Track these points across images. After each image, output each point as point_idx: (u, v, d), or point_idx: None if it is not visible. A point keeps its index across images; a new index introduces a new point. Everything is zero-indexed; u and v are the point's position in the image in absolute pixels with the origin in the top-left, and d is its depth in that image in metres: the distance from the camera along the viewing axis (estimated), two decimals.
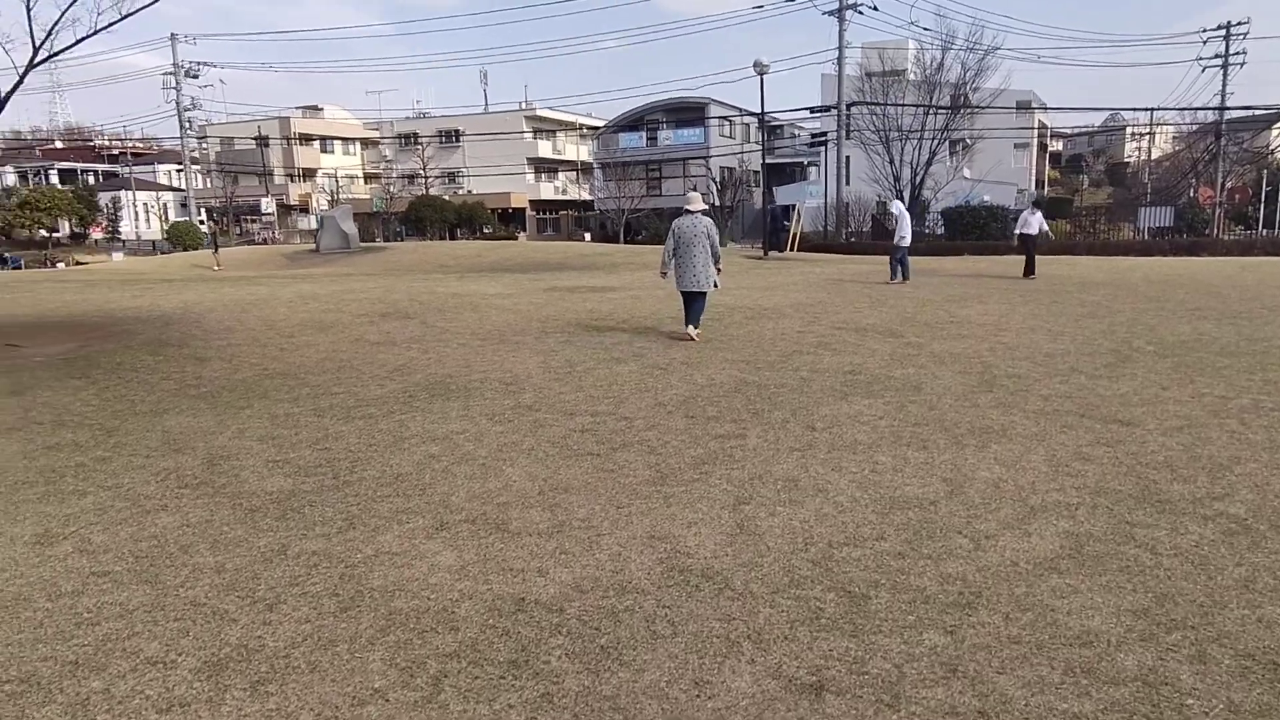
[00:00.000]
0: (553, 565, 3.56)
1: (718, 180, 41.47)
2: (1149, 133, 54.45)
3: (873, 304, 12.00)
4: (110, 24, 8.47)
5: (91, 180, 79.17)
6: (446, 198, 53.71)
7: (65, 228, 56.88)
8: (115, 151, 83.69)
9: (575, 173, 60.45)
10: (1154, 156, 58.45)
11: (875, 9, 29.75)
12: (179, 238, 46.76)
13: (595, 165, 52.39)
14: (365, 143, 71.33)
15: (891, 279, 15.68)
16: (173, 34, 47.09)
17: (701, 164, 46.47)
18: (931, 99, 28.49)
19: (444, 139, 58.91)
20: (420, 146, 56.03)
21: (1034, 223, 16.51)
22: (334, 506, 4.22)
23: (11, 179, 71.23)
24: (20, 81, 8.31)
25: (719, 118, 47.14)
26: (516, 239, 51.46)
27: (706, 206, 9.39)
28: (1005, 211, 28.26)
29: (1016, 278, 16.48)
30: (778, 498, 4.29)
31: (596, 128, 56.91)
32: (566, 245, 31.87)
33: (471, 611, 3.16)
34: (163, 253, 45.68)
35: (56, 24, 8.20)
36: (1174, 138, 60.18)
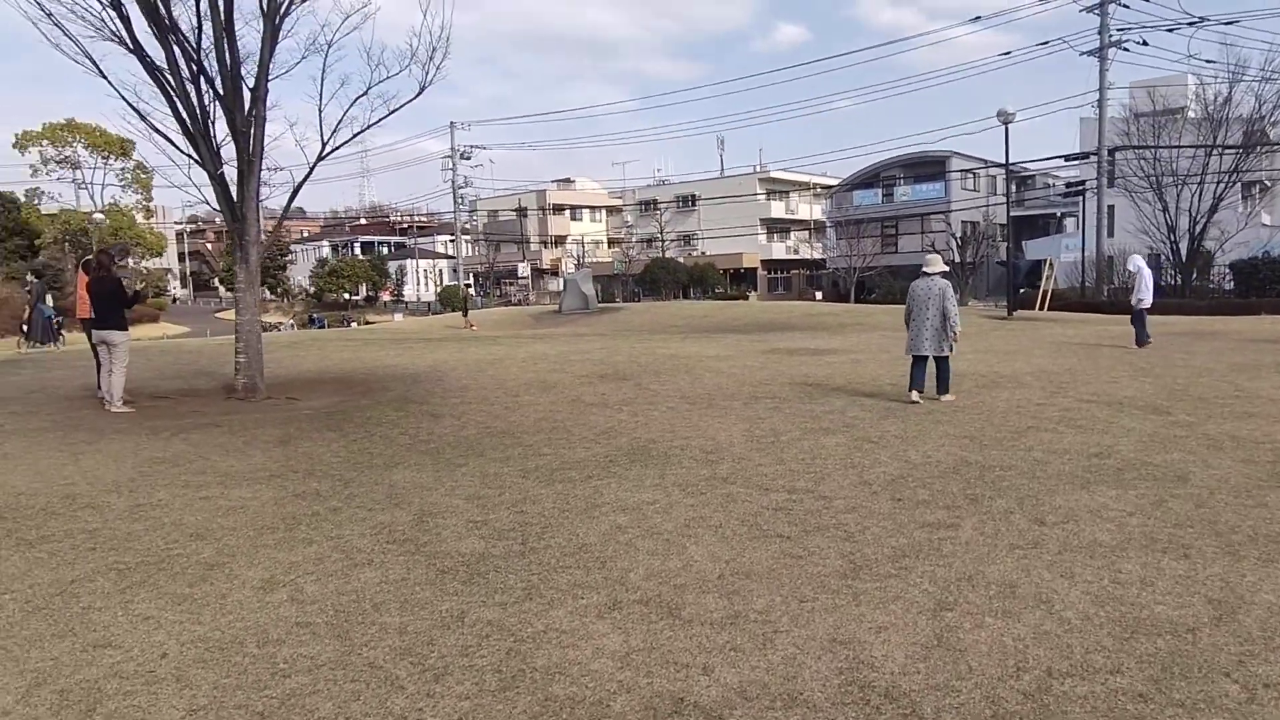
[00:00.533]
0: (720, 663, 3.31)
1: (958, 236, 39.16)
2: None
3: (1134, 373, 10.50)
4: (379, 119, 9.65)
5: (385, 250, 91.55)
6: (681, 259, 55.62)
7: (362, 292, 66.05)
8: (404, 225, 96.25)
9: (808, 232, 60.09)
10: None
11: (1144, 44, 26.86)
12: (448, 300, 52.37)
13: (828, 224, 51.77)
14: (610, 210, 76.10)
15: (1139, 343, 13.75)
16: (451, 122, 53.68)
17: (941, 219, 44.21)
18: (1215, 138, 24.99)
19: (680, 204, 61.30)
20: (658, 212, 58.66)
21: None
22: (517, 574, 4.29)
23: (326, 251, 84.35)
24: (309, 173, 9.74)
25: (961, 171, 44.79)
26: (747, 299, 51.86)
27: (945, 268, 9.21)
28: None
29: None
30: (988, 606, 3.73)
31: (830, 186, 56.37)
32: (793, 305, 31.53)
33: (626, 708, 3.00)
34: (434, 313, 51.43)
35: (339, 122, 9.59)
36: None
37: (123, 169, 51.47)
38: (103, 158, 57.19)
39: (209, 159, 9.25)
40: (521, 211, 70.57)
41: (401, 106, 9.92)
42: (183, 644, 3.61)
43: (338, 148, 9.59)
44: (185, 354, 15.27)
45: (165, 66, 9.01)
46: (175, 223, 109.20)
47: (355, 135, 9.69)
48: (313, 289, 60.44)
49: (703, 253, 58.07)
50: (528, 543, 4.75)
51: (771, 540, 4.67)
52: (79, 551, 4.79)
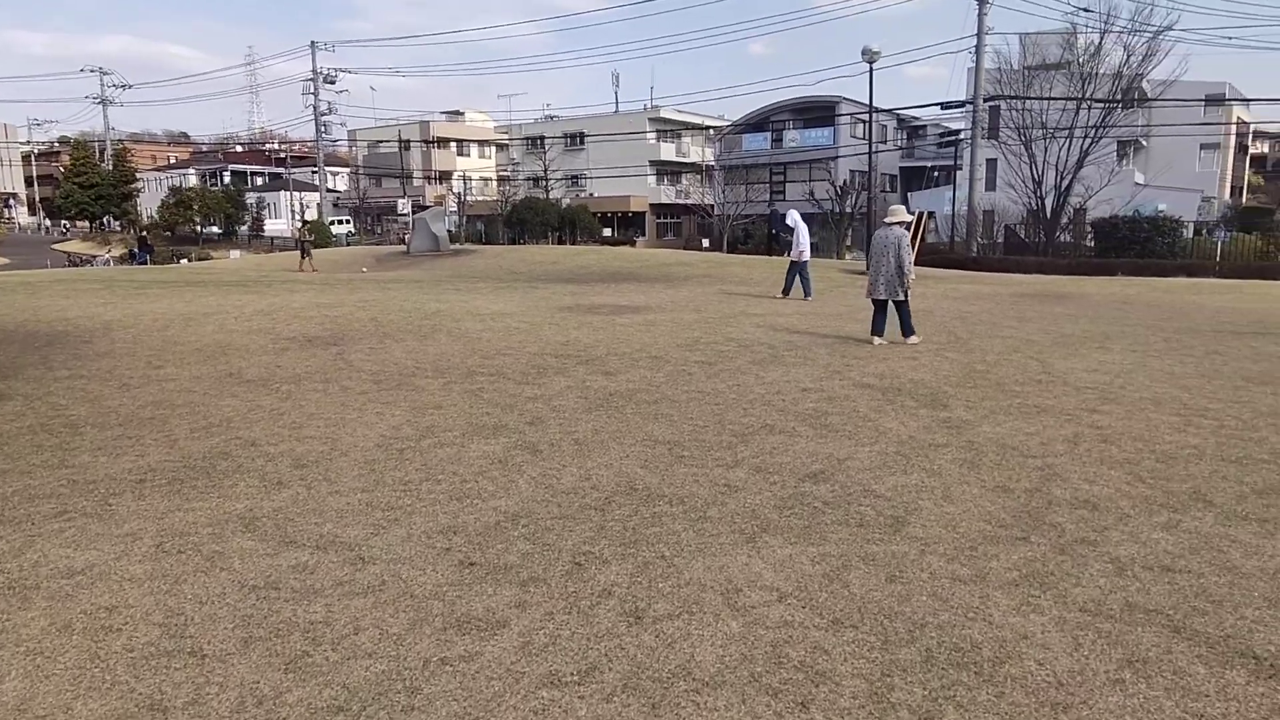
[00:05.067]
0: None
1: (839, 185, 38.00)
2: None
3: (943, 346, 9.08)
4: None
5: (260, 181, 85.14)
6: (567, 201, 52.91)
7: (221, 225, 60.66)
8: (282, 155, 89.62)
9: (700, 176, 58.28)
10: None
11: None
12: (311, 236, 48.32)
13: (716, 168, 49.98)
14: (500, 146, 72.33)
15: (784, 294, 14.29)
16: (312, 42, 48.75)
17: (833, 166, 42.97)
18: (1084, 90, 24.12)
19: (569, 141, 58.31)
20: (543, 150, 55.60)
21: None
22: None
23: (193, 180, 77.42)
24: None
25: (850, 115, 43.48)
26: (634, 244, 49.84)
27: (908, 219, 9.56)
28: (1178, 225, 23.50)
29: (1175, 311, 12.81)
30: None
31: (722, 128, 54.46)
32: (657, 253, 29.70)
33: None
34: (296, 248, 47.38)
35: None
36: None
37: None
38: None
39: None
40: (404, 144, 66.02)
41: None
42: None
43: None
44: None
45: None
46: (24, 143, 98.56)
47: None
48: (161, 220, 55.06)
49: (591, 194, 55.56)
50: None
51: (161, 667, 2.77)
52: None
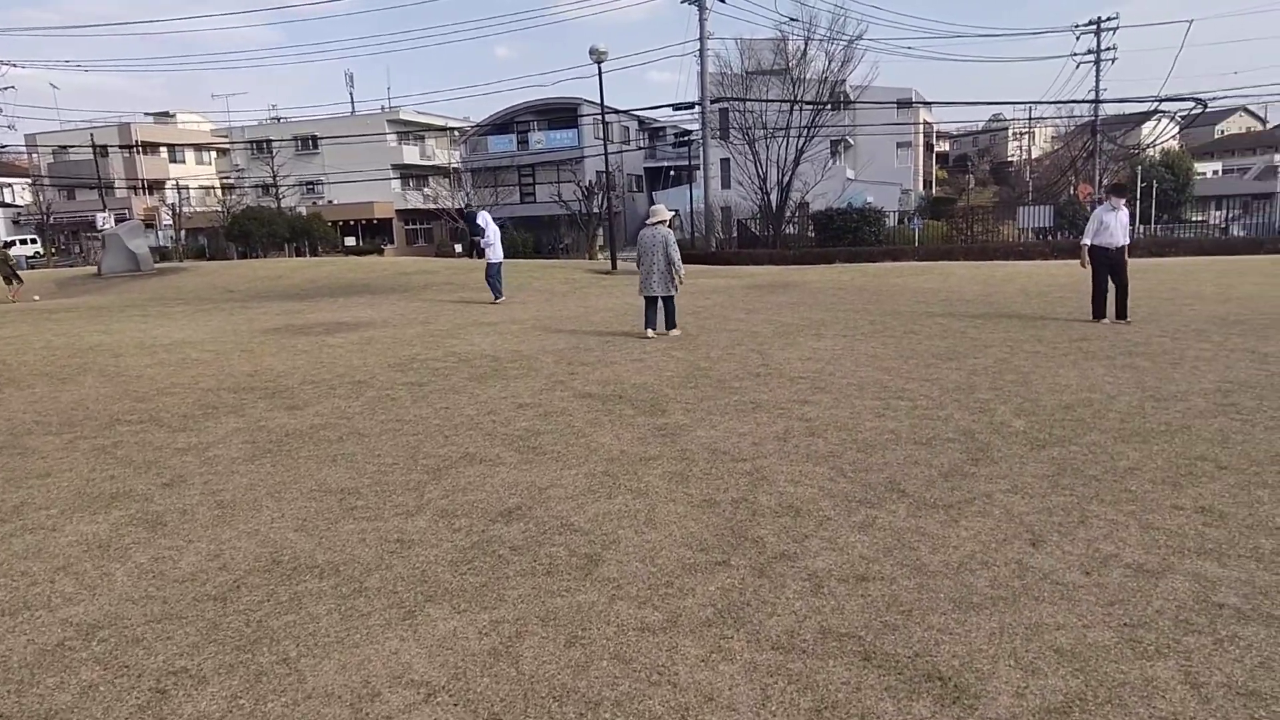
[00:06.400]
0: None
1: (586, 185, 38.32)
2: (1028, 130, 54.36)
3: (672, 344, 8.94)
4: None
5: None
6: (302, 210, 48.88)
7: None
8: None
9: (448, 179, 56.42)
10: (1035, 155, 58.67)
11: None
12: None
13: (464, 171, 48.57)
14: (221, 150, 65.40)
15: (497, 298, 14.21)
16: None
17: (580, 167, 43.26)
18: (795, 93, 26.01)
19: (300, 145, 53.91)
20: (271, 155, 50.94)
21: (1114, 226, 9.65)
22: None
23: None
24: None
25: (592, 117, 44.02)
26: (382, 253, 47.10)
27: (668, 216, 9.74)
28: (881, 215, 26.03)
29: (881, 294, 13.79)
30: None
31: (468, 130, 53.09)
32: (399, 261, 28.09)
33: None
34: None
35: None
36: (1053, 137, 60.66)
37: None
38: None
39: None
40: (99, 149, 57.56)
41: None
42: None
43: None
44: None
45: None
46: None
47: None
48: None
49: (330, 201, 51.80)
50: None
51: None
52: None
